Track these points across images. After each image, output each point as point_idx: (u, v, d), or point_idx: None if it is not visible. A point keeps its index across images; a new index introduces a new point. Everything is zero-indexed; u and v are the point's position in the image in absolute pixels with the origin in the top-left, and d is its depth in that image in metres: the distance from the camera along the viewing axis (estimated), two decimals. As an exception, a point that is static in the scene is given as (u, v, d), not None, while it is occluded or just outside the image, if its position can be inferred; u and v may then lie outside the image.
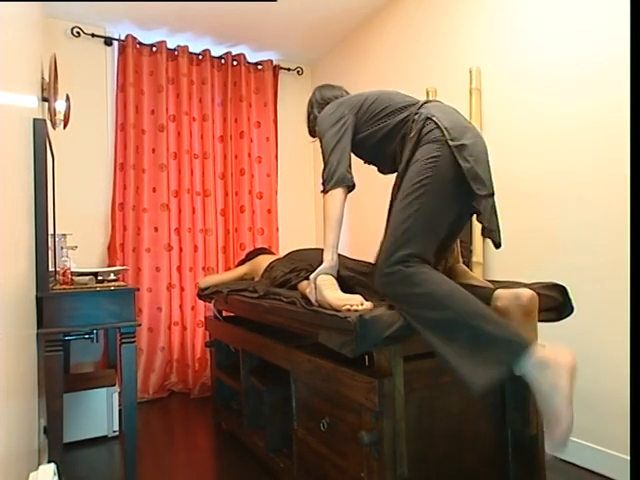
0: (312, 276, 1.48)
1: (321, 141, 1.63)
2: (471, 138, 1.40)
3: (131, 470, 1.87)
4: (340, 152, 1.54)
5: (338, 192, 1.51)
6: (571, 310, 1.58)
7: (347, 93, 1.89)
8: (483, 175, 1.36)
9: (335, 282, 1.47)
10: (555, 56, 2.04)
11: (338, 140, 1.56)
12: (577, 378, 1.85)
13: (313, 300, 1.46)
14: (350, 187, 1.55)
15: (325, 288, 1.42)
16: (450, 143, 1.36)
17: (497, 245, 1.42)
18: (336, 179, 1.51)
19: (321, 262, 1.50)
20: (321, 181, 1.56)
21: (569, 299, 1.57)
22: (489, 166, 1.43)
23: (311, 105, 1.88)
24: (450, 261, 1.67)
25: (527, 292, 1.31)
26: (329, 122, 1.61)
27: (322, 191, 1.55)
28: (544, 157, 2.09)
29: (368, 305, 1.33)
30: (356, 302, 1.33)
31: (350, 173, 1.54)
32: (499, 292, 1.36)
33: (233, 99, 3.49)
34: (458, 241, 1.67)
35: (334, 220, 1.50)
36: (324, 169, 1.56)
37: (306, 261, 1.88)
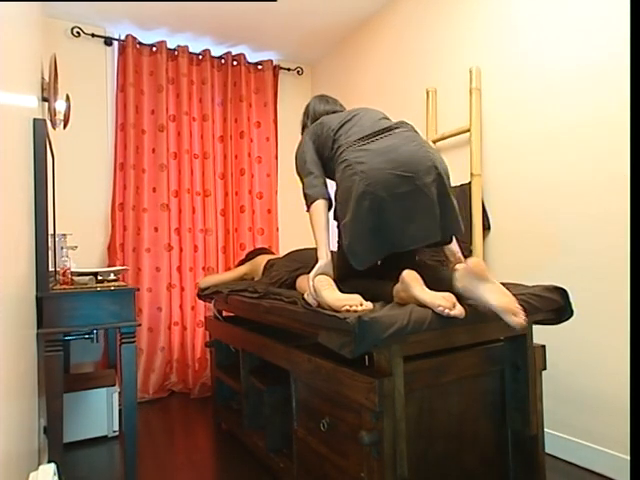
0: (310, 276, 1.48)
1: (296, 163, 1.75)
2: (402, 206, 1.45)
3: (131, 470, 1.87)
4: (312, 175, 1.66)
5: (319, 204, 1.60)
6: (571, 313, 1.59)
7: (342, 108, 1.93)
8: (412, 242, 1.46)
9: (332, 282, 1.47)
10: (555, 56, 2.04)
11: (308, 167, 1.68)
12: (577, 378, 1.84)
13: (312, 302, 1.46)
14: (328, 200, 1.63)
15: (323, 289, 1.43)
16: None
17: (461, 234, 1.61)
18: (314, 195, 1.62)
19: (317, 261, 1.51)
20: (304, 201, 1.66)
21: (569, 302, 1.58)
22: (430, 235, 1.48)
23: (306, 114, 1.96)
24: (451, 261, 1.67)
25: (471, 260, 1.38)
26: (301, 148, 1.75)
27: (307, 210, 1.64)
28: (544, 157, 2.09)
29: (367, 305, 1.33)
30: (355, 302, 1.33)
31: (326, 187, 1.65)
32: (456, 274, 1.40)
33: (233, 99, 3.49)
34: (455, 241, 1.67)
35: (321, 222, 1.59)
36: (302, 189, 1.67)
37: (307, 262, 1.88)
